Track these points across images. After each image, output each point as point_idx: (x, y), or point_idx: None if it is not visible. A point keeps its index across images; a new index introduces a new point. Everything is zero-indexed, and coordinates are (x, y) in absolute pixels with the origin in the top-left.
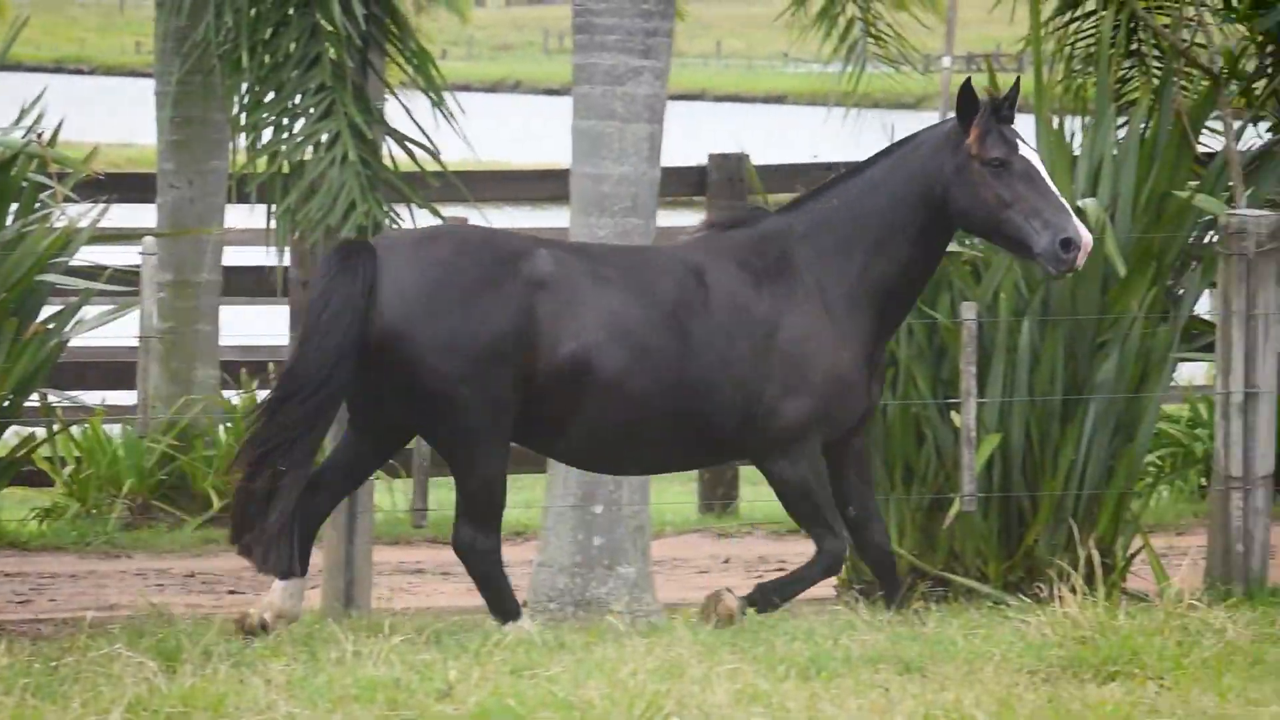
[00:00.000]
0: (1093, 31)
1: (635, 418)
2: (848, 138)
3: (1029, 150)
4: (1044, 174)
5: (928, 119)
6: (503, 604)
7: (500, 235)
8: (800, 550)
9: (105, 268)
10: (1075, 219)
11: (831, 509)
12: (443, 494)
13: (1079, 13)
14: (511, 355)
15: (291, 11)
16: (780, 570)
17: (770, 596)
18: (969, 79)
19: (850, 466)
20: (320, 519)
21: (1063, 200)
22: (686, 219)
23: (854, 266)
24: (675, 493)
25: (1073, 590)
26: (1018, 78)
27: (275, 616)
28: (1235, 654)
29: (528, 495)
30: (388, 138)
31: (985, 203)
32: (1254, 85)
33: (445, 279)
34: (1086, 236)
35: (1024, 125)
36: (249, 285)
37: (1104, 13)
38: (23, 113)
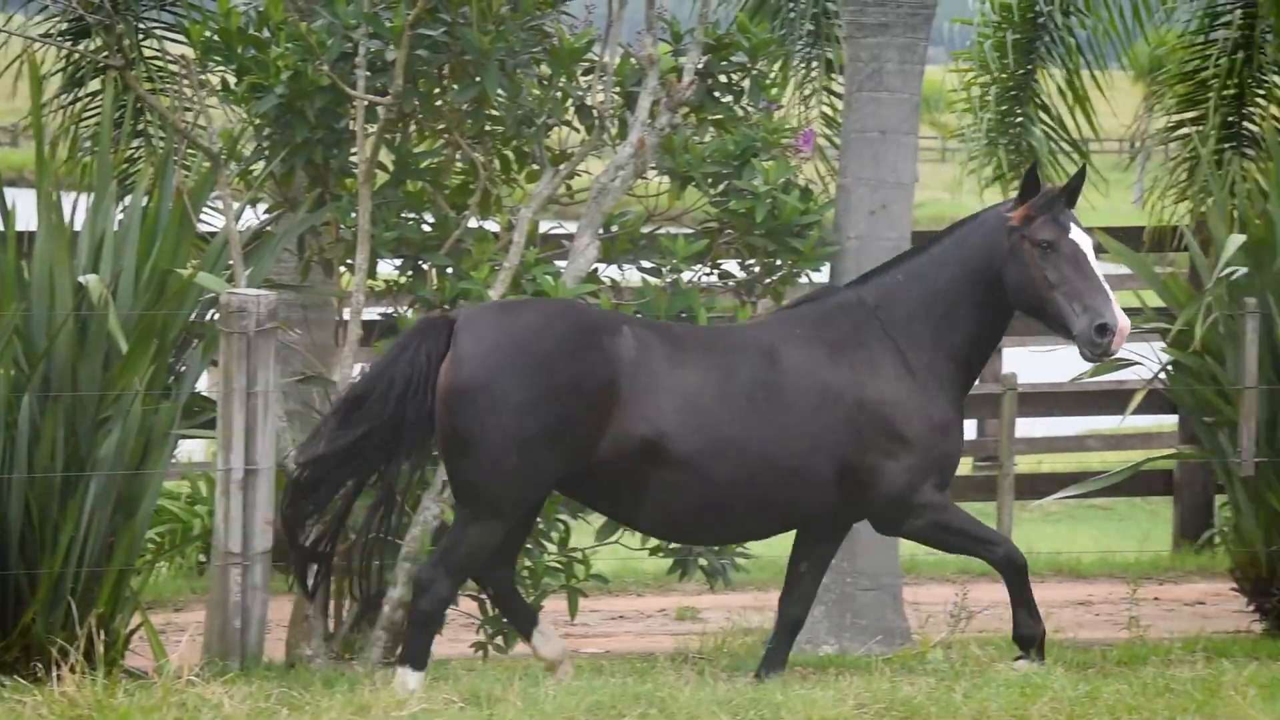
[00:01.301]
0: (98, 110)
1: (713, 499)
2: None
3: (1081, 235)
4: (1092, 259)
5: None
6: (418, 651)
7: (585, 308)
8: None
9: None
10: (1115, 305)
11: (975, 523)
12: None
13: (83, 92)
14: (579, 427)
15: None
16: None
17: (1024, 633)
18: (1034, 165)
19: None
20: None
21: (1106, 286)
22: None
23: (926, 336)
24: None
25: (72, 669)
26: (1083, 165)
27: None
28: None
29: None
30: None
31: (1033, 281)
32: (252, 167)
33: (527, 344)
34: (1124, 322)
35: (26, 199)
36: None
37: (105, 93)
38: None
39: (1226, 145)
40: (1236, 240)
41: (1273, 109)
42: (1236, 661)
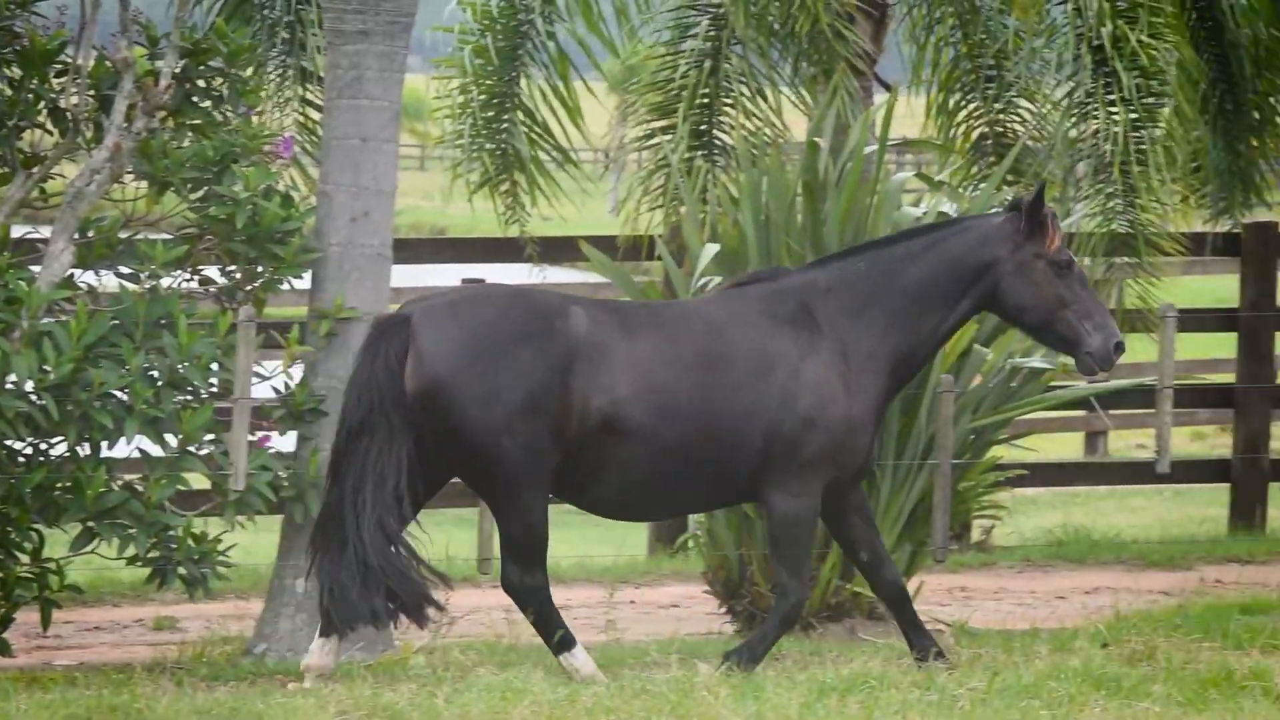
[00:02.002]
0: None
1: (664, 469)
2: None
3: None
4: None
5: None
6: (555, 636)
7: (535, 293)
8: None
9: None
10: (1113, 323)
11: (808, 559)
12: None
13: None
14: (549, 407)
15: None
16: None
17: (742, 660)
18: (1043, 183)
19: (855, 514)
20: None
21: (1103, 304)
22: None
23: (875, 328)
24: None
25: None
26: (1042, 182)
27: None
28: None
29: None
30: None
31: (1045, 300)
32: None
33: (484, 335)
34: (1121, 338)
35: None
36: None
37: None
38: None
39: (698, 154)
40: (711, 250)
41: (741, 118)
42: (710, 662)
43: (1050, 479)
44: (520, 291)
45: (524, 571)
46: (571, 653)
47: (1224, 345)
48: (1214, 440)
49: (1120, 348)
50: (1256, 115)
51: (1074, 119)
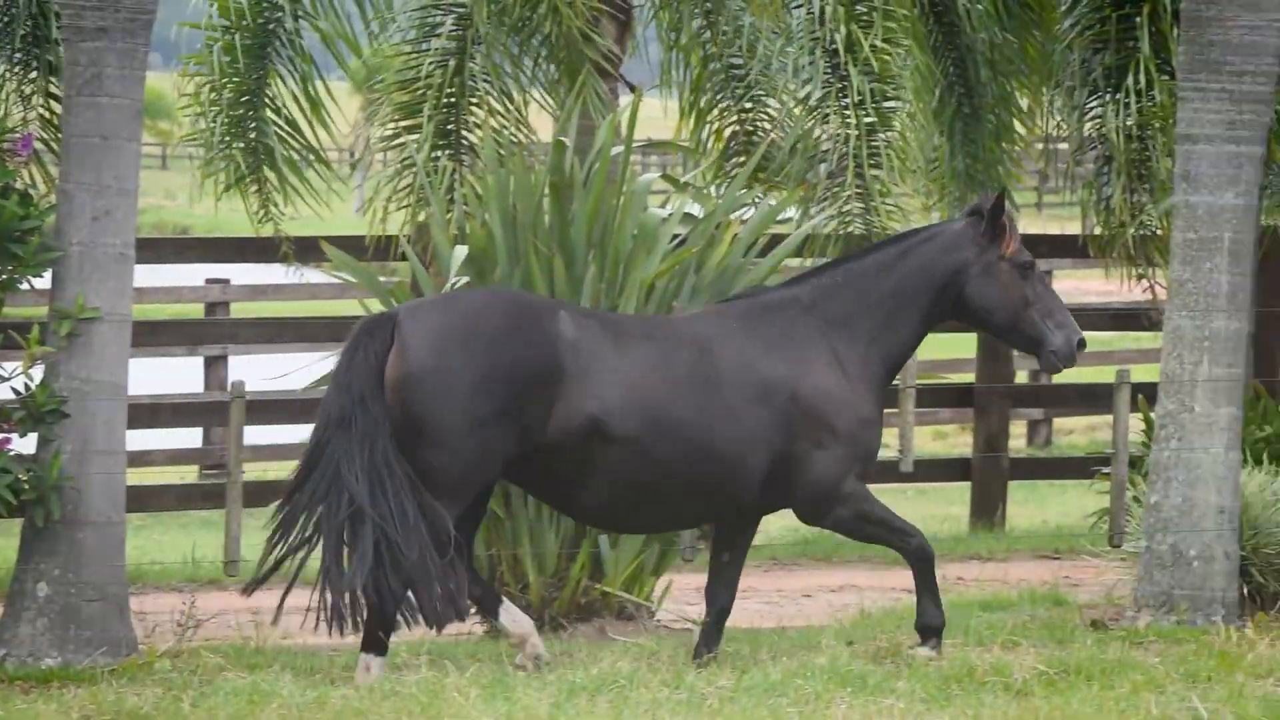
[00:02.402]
0: None
1: (652, 480)
2: None
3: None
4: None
5: None
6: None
7: (523, 294)
8: None
9: None
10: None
11: (892, 514)
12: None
13: None
14: (528, 405)
15: None
16: None
17: (928, 622)
18: (1003, 188)
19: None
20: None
21: (1063, 304)
22: None
23: (862, 335)
24: None
25: None
26: (1002, 187)
27: None
28: None
29: None
30: None
31: (1010, 301)
32: None
33: (471, 328)
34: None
35: None
36: None
37: None
38: None
39: (444, 154)
40: (462, 251)
41: (488, 118)
42: (459, 664)
43: None
44: (509, 291)
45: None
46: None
47: (964, 345)
48: (955, 439)
49: (1082, 344)
50: (993, 118)
51: (812, 121)
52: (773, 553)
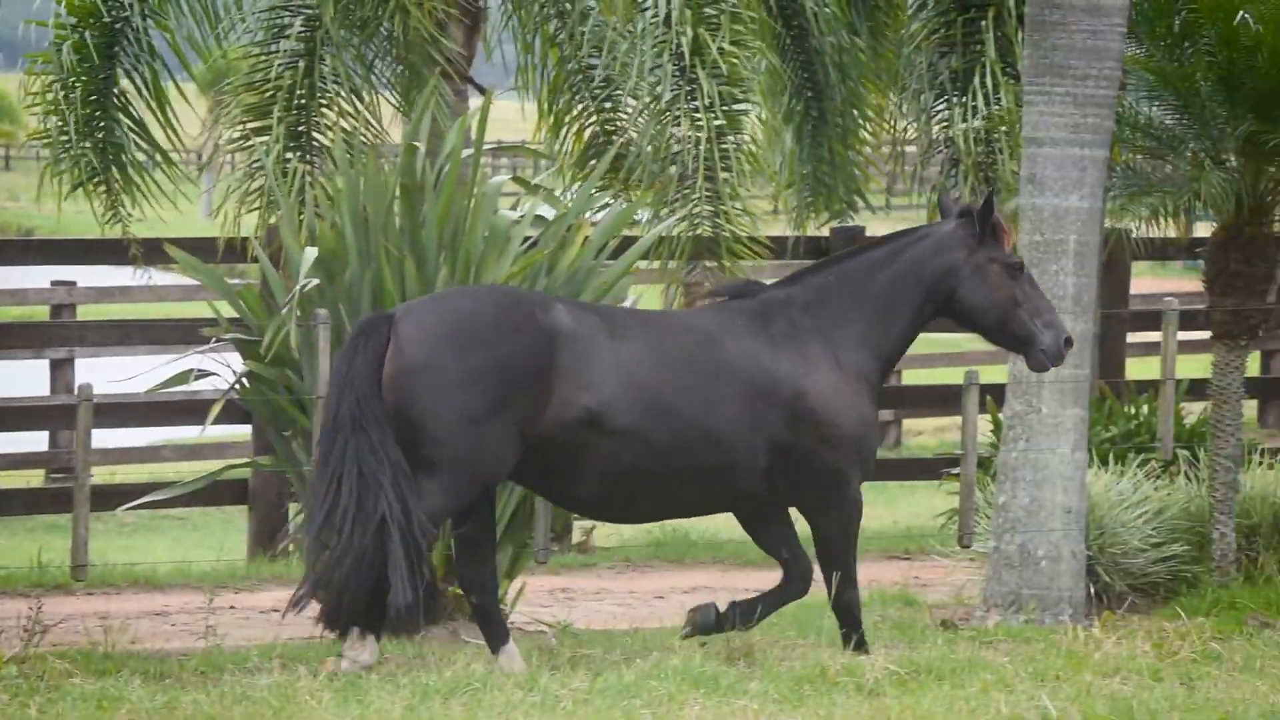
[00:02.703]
0: None
1: (652, 471)
2: None
3: None
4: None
5: None
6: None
7: (518, 289)
8: None
9: None
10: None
11: (854, 556)
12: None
13: None
14: (523, 398)
15: None
16: None
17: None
18: (992, 191)
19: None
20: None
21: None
22: None
23: (856, 335)
24: None
25: None
26: (990, 191)
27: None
28: None
29: None
30: None
31: (1001, 301)
32: None
33: (466, 323)
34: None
35: None
36: None
37: None
38: None
39: (294, 156)
40: (311, 254)
41: (339, 120)
42: (312, 666)
43: None
44: (504, 288)
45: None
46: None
47: None
48: None
49: (1069, 342)
50: (841, 121)
51: (663, 124)
52: (626, 554)
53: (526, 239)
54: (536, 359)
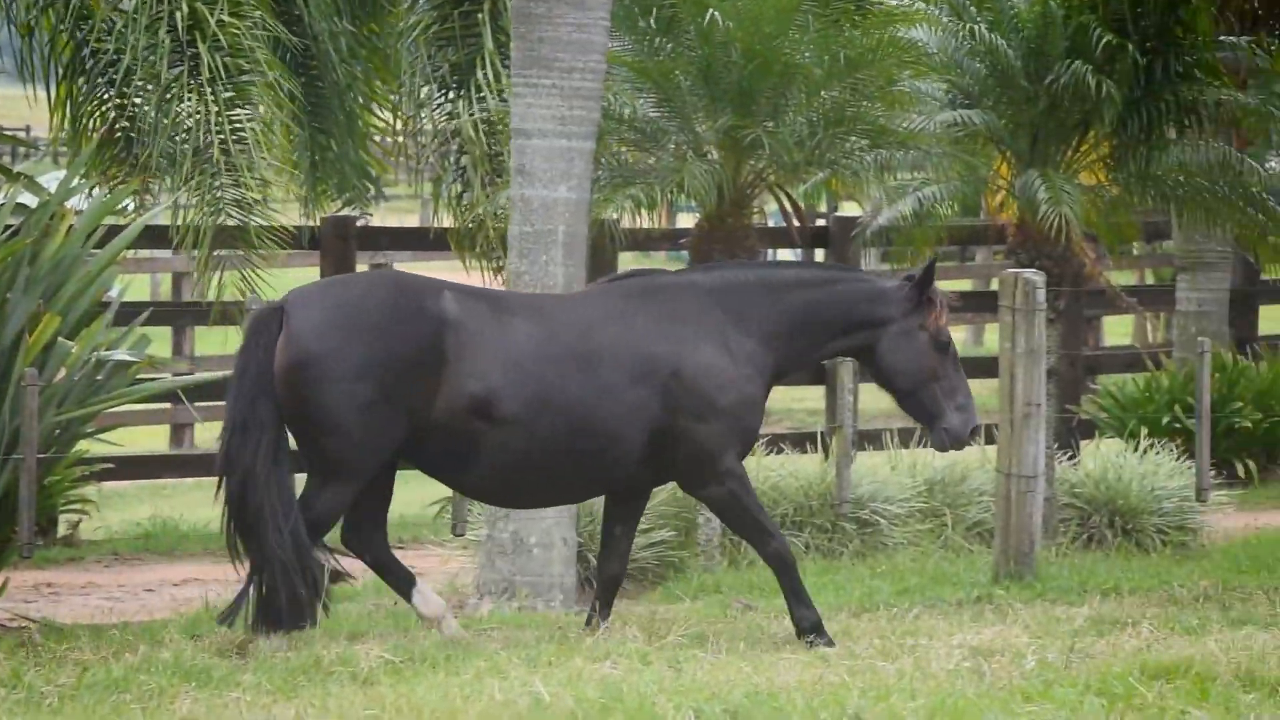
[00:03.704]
0: None
1: (537, 458)
2: None
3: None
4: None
5: None
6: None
7: (406, 276)
8: None
9: None
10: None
11: (763, 512)
12: None
13: None
14: (412, 386)
15: None
16: None
17: (803, 624)
18: (933, 259)
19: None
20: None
21: (967, 387)
22: None
23: (755, 333)
24: None
25: None
26: (932, 259)
27: None
28: None
29: None
30: None
31: (919, 369)
32: None
33: (354, 313)
34: (978, 422)
35: None
36: None
37: None
38: None
39: None
40: None
41: None
42: None
43: (138, 472)
44: (393, 274)
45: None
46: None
47: None
48: None
49: (976, 431)
50: (342, 108)
51: (168, 101)
52: (114, 547)
53: (8, 228)
54: (422, 347)
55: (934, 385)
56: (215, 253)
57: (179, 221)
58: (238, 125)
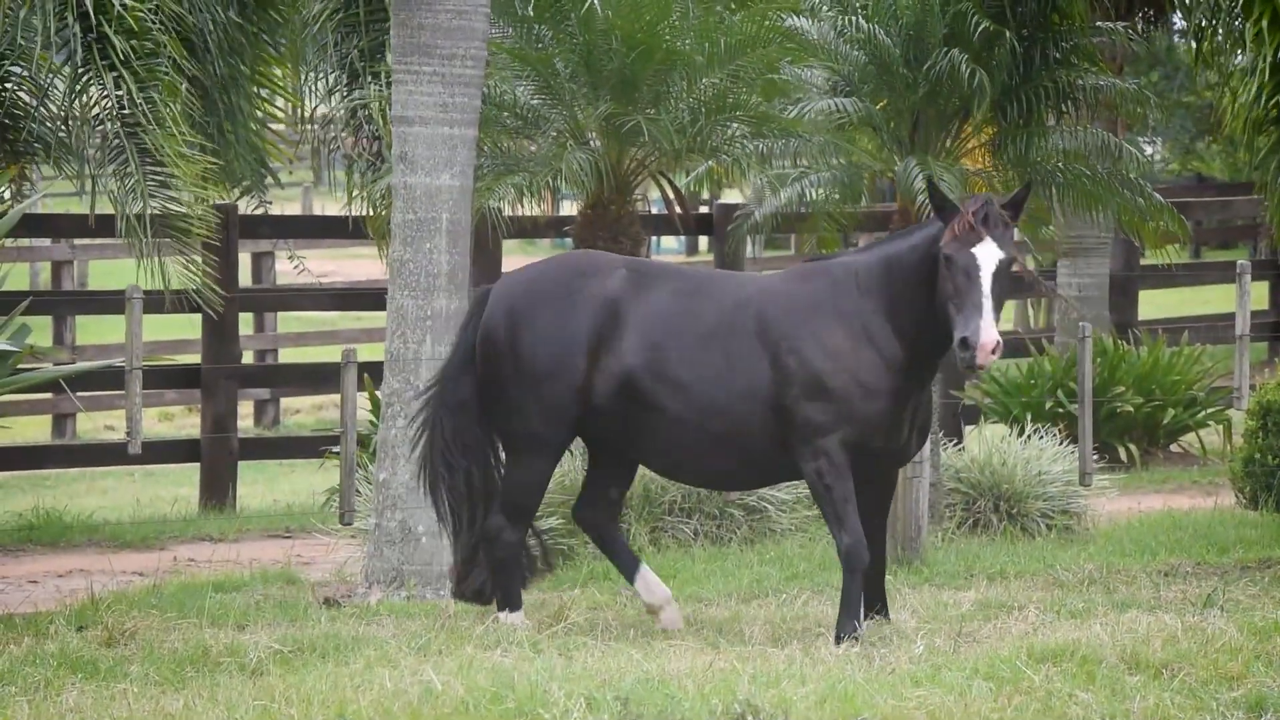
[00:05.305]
0: None
1: (681, 439)
2: None
3: (985, 250)
4: (983, 273)
5: None
6: (509, 595)
7: (592, 254)
8: None
9: None
10: (985, 321)
11: (850, 505)
12: None
13: None
14: (574, 362)
15: None
16: None
17: (841, 633)
18: (930, 180)
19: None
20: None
21: (982, 301)
22: None
23: (881, 308)
24: None
25: None
26: (1028, 182)
27: None
28: None
29: None
30: None
31: (941, 292)
32: None
33: (531, 291)
34: (987, 338)
35: None
36: None
37: None
38: None
39: None
40: None
41: None
42: None
43: (20, 462)
44: (580, 253)
45: (507, 523)
46: (510, 614)
47: (189, 327)
48: (182, 420)
49: (964, 343)
50: (227, 96)
51: (82, 85)
52: None
53: None
54: (582, 326)
55: (947, 306)
56: (155, 240)
57: (97, 210)
58: (154, 105)
